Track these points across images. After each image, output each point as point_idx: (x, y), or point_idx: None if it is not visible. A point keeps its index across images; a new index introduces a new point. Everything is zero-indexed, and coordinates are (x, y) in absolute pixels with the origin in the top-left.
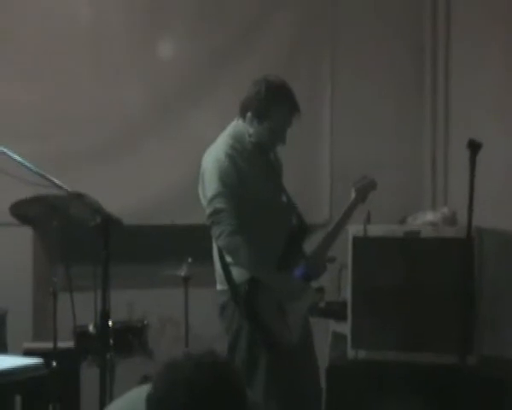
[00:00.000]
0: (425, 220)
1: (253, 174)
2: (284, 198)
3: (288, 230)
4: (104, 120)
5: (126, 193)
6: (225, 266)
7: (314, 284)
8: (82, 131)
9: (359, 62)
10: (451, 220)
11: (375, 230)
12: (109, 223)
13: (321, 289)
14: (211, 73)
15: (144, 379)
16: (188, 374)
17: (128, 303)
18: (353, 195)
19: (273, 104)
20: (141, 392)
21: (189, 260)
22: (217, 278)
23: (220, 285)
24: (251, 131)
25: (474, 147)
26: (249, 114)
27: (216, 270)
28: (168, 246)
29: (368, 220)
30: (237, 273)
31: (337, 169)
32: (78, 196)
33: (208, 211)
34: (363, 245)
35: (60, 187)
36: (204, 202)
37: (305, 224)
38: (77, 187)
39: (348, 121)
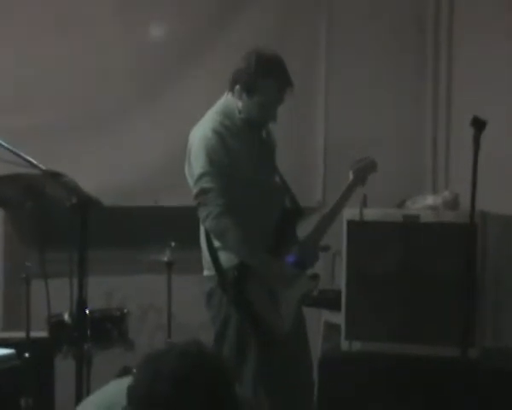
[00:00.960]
0: (425, 204)
1: (243, 152)
2: (277, 179)
3: (281, 213)
4: (83, 94)
5: (106, 171)
6: (213, 251)
7: (308, 271)
8: (59, 105)
9: (357, 36)
10: (453, 204)
11: (372, 214)
12: (87, 204)
13: (315, 277)
14: (196, 48)
15: (124, 371)
16: (172, 365)
17: (106, 290)
18: (351, 176)
19: (263, 77)
20: (120, 385)
21: (173, 244)
22: (204, 263)
23: (207, 271)
24: (240, 105)
25: (478, 125)
26: (238, 87)
27: (203, 254)
28: (150, 229)
29: (364, 204)
30: (225, 258)
31: (331, 148)
32: (54, 175)
33: (195, 191)
34: (358, 230)
35: (34, 165)
36: (191, 181)
37: (300, 207)
38: (52, 165)
39: (344, 97)
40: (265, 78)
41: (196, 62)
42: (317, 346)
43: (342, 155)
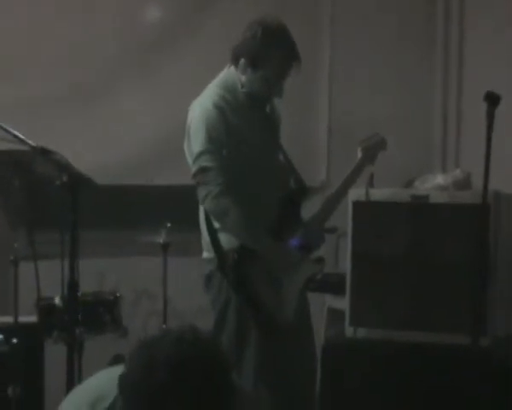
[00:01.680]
0: (434, 184)
1: (245, 129)
2: (281, 157)
3: (285, 192)
4: (73, 65)
5: (98, 148)
6: (212, 232)
7: (312, 255)
8: (47, 76)
9: (363, 6)
10: (464, 184)
11: (379, 194)
12: (78, 182)
13: (320, 260)
14: (194, 18)
15: (116, 359)
16: (167, 352)
17: (99, 273)
18: (360, 154)
19: (270, 50)
20: (112, 373)
21: (168, 224)
22: (203, 244)
23: (206, 253)
24: (243, 79)
25: (492, 100)
26: (242, 61)
27: (202, 236)
28: (145, 209)
29: (370, 183)
30: (226, 240)
31: (336, 124)
32: (44, 152)
33: (194, 169)
34: (364, 211)
35: (22, 141)
36: (190, 159)
37: (305, 186)
38: (41, 141)
39: (349, 71)
40: (272, 50)
41: (195, 32)
42: (320, 333)
43: (347, 133)
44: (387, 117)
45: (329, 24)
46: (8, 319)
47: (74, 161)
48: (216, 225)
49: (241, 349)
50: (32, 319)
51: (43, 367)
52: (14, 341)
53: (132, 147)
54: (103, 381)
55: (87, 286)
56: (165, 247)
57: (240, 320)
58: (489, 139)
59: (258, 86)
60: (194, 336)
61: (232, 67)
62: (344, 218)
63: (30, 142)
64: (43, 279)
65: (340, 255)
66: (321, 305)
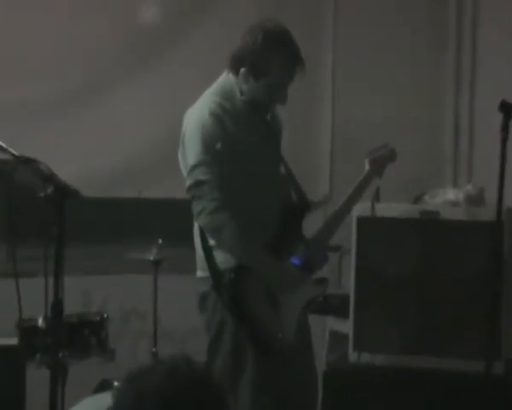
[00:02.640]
0: (445, 199)
1: (244, 139)
2: (282, 168)
3: (285, 206)
4: (59, 70)
5: (85, 158)
6: (207, 250)
7: (315, 275)
8: (30, 81)
9: (368, 6)
10: (477, 200)
11: (385, 209)
12: (64, 194)
13: (323, 281)
14: (190, 18)
15: (103, 384)
16: (158, 383)
17: (84, 292)
18: (367, 166)
19: (273, 56)
20: (98, 401)
21: (160, 240)
22: (197, 262)
23: (200, 272)
24: (244, 88)
25: (507, 110)
26: (244, 70)
27: (196, 253)
28: (134, 223)
29: (376, 198)
30: (221, 258)
31: (339, 133)
32: (27, 161)
33: (188, 183)
34: (369, 227)
35: (3, 149)
36: (184, 171)
37: (307, 201)
38: (23, 150)
39: (353, 76)
40: (275, 57)
41: (191, 33)
42: (321, 358)
43: (351, 144)
44: (395, 127)
45: (332, 23)
46: None
47: (58, 172)
48: (211, 242)
49: (238, 374)
50: (13, 341)
51: (24, 393)
52: None
53: (121, 157)
54: (90, 408)
55: (72, 306)
56: (155, 264)
57: (236, 344)
58: (504, 152)
59: (262, 95)
60: (187, 367)
61: (230, 74)
62: (347, 234)
63: (12, 150)
64: (25, 298)
65: (343, 274)
66: (322, 328)
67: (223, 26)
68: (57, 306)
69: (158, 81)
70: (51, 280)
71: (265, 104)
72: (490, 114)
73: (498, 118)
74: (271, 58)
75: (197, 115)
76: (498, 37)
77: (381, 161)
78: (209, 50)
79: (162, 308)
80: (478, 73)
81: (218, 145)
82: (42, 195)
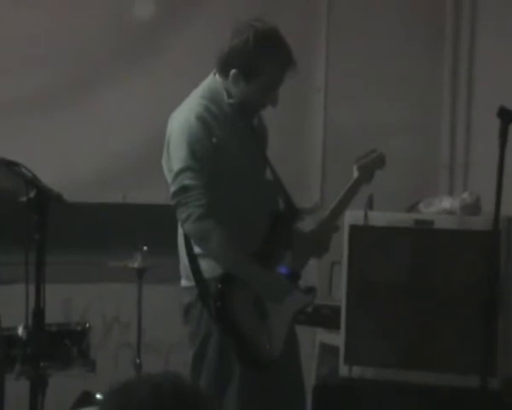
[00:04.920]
0: (440, 207)
1: (231, 142)
2: (269, 175)
3: (272, 214)
4: (41, 68)
5: (68, 162)
6: (193, 258)
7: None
8: (14, 80)
9: (363, 9)
10: (473, 208)
11: (378, 217)
12: (46, 199)
13: (311, 291)
14: (179, 17)
15: (84, 396)
16: (142, 398)
17: (65, 300)
18: (356, 173)
19: (265, 57)
20: None
21: (144, 248)
22: (182, 271)
23: (185, 281)
24: (234, 91)
25: (505, 116)
26: (234, 72)
27: (181, 262)
28: (118, 230)
29: (369, 206)
30: (207, 267)
31: (331, 140)
32: (8, 164)
33: (173, 188)
34: (362, 236)
35: None
36: (169, 176)
37: (295, 208)
38: (5, 153)
39: (346, 79)
40: (267, 57)
41: (180, 31)
42: (310, 371)
43: (343, 149)
44: (389, 133)
45: (325, 23)
46: None
47: (41, 175)
48: (197, 250)
49: (223, 387)
50: None
51: (2, 405)
52: None
53: (105, 160)
54: None
55: (52, 314)
56: (139, 272)
57: (221, 356)
58: (502, 159)
59: (252, 97)
60: (173, 382)
61: (217, 75)
62: (338, 243)
63: None
64: (5, 306)
65: (333, 285)
66: (312, 340)
67: (212, 26)
68: (38, 314)
69: (144, 84)
70: (32, 288)
71: (255, 107)
72: (487, 121)
73: (495, 125)
74: (263, 59)
75: (183, 118)
76: (496, 42)
77: (370, 166)
78: (197, 51)
79: (146, 318)
80: (475, 80)
81: (205, 149)
82: (24, 199)
